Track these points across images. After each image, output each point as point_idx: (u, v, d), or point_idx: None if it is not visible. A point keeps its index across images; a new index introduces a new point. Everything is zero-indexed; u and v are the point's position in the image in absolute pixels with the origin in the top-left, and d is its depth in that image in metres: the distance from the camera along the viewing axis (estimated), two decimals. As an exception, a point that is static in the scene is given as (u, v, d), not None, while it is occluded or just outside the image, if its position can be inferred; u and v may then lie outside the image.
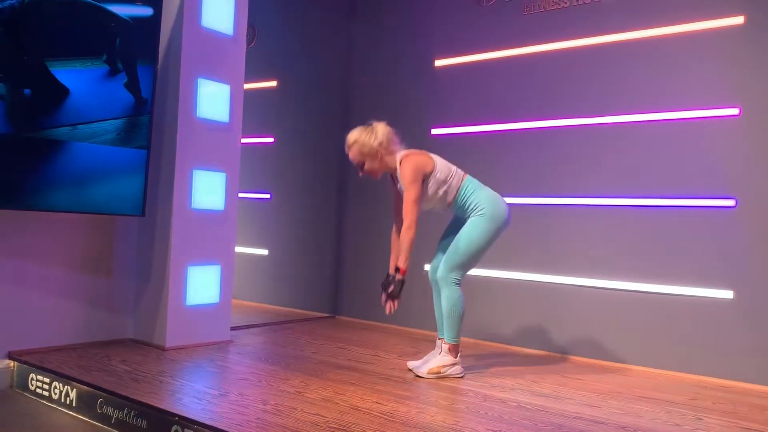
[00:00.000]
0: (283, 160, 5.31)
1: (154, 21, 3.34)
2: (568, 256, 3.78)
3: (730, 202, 3.28)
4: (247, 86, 3.85)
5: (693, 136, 3.41)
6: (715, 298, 3.30)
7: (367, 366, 3.17)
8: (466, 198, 3.00)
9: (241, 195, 3.83)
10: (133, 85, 3.26)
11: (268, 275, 5.32)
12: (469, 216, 2.99)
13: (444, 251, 3.05)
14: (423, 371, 2.99)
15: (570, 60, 3.83)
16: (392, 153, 3.00)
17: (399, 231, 3.10)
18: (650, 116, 3.53)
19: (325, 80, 5.10)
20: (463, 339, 3.25)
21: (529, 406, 2.57)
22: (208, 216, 3.56)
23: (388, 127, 3.01)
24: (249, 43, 3.94)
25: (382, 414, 2.35)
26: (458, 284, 2.96)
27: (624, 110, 3.61)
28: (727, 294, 3.27)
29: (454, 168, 3.04)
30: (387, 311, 2.89)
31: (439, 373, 2.98)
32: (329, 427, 2.18)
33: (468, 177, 3.06)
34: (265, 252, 5.35)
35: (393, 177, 3.11)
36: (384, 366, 3.16)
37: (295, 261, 5.17)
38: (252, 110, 4.68)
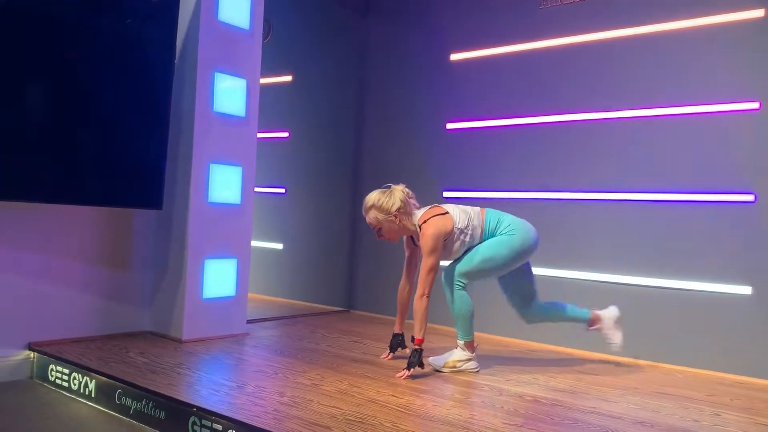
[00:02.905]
0: (297, 154, 5.33)
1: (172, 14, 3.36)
2: (584, 251, 3.76)
3: (750, 197, 3.25)
4: (262, 81, 3.86)
5: (712, 131, 3.37)
6: (733, 294, 3.27)
7: (381, 360, 3.18)
8: (493, 228, 2.99)
9: (256, 189, 3.85)
10: (151, 81, 3.28)
11: (283, 269, 5.34)
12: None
13: None
14: (439, 365, 2.99)
15: (587, 53, 3.80)
16: (410, 215, 2.99)
17: (408, 284, 3.16)
18: (669, 110, 3.50)
19: (339, 75, 5.11)
20: (479, 334, 3.25)
21: (545, 401, 2.56)
22: (224, 210, 3.58)
23: (406, 190, 3.01)
24: (264, 37, 3.94)
25: (398, 407, 2.36)
26: (463, 288, 2.95)
27: (642, 104, 3.59)
28: (746, 290, 3.24)
29: (470, 209, 3.03)
30: (399, 376, 2.82)
31: (455, 367, 2.98)
32: (346, 419, 2.19)
33: (487, 210, 3.06)
34: (280, 246, 5.38)
35: (411, 237, 3.11)
36: (399, 360, 3.16)
37: (310, 255, 5.18)
38: (267, 105, 4.70)
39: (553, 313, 3.16)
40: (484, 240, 2.99)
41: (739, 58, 3.31)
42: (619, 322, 3.20)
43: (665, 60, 3.53)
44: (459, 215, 2.97)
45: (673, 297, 3.44)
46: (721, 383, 3.08)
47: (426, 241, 2.88)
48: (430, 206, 3.03)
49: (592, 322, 3.19)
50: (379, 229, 3.00)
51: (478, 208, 3.06)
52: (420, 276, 2.90)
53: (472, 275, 2.95)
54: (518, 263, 3.01)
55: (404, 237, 3.16)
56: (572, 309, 3.18)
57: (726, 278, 3.30)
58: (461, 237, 2.96)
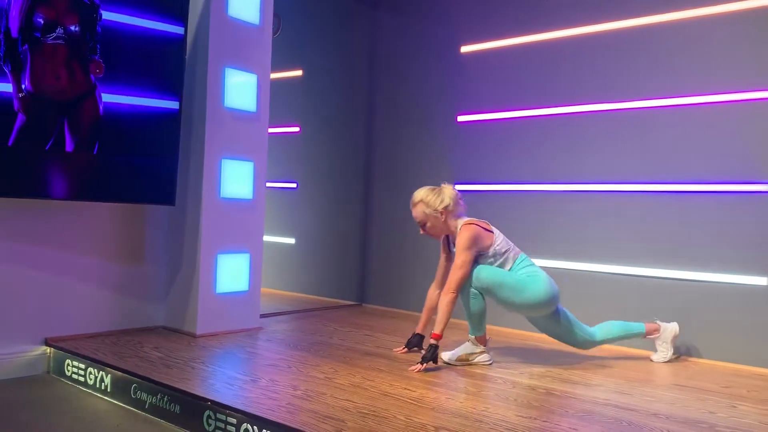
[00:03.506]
0: (308, 149, 5.33)
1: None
2: (599, 243, 3.74)
3: (767, 187, 3.21)
4: (272, 76, 3.86)
5: (731, 120, 3.33)
6: (749, 285, 3.24)
7: (395, 353, 3.18)
8: (521, 269, 2.98)
9: (267, 184, 3.86)
10: (162, 76, 3.29)
11: (295, 264, 5.36)
12: None
13: None
14: (451, 359, 2.99)
15: (600, 43, 3.77)
16: (456, 217, 3.01)
17: (438, 288, 3.14)
18: (684, 100, 3.45)
19: (350, 69, 5.10)
20: (491, 327, 3.24)
21: (558, 393, 2.55)
22: (236, 205, 3.59)
23: (456, 191, 3.03)
24: (274, 32, 3.94)
25: (411, 400, 2.36)
26: (476, 289, 2.95)
27: (657, 94, 3.55)
28: (762, 281, 3.21)
29: (512, 244, 3.04)
30: (412, 369, 2.83)
31: (468, 360, 2.98)
32: (359, 412, 2.19)
33: (524, 253, 3.06)
34: (292, 241, 5.39)
35: (450, 239, 3.12)
36: (412, 354, 3.16)
37: (322, 250, 5.19)
38: (277, 100, 4.70)
39: (606, 333, 3.15)
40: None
41: (758, 45, 3.26)
42: (675, 339, 3.24)
43: (682, 48, 3.49)
44: (502, 240, 2.99)
45: (688, 288, 3.41)
46: (737, 375, 3.06)
47: (463, 239, 2.90)
48: (482, 220, 3.04)
49: (649, 331, 3.22)
50: (425, 224, 3.03)
51: (518, 249, 3.06)
52: (451, 271, 2.92)
53: (486, 290, 2.92)
54: (530, 312, 3.02)
55: (441, 241, 3.18)
56: (624, 324, 3.19)
57: (742, 269, 3.26)
58: (492, 258, 2.96)
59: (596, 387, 2.68)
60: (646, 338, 3.24)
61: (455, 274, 2.89)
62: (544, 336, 3.80)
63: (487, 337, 3.04)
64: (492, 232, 3.00)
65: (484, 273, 2.92)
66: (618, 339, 3.20)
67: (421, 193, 3.03)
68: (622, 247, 3.65)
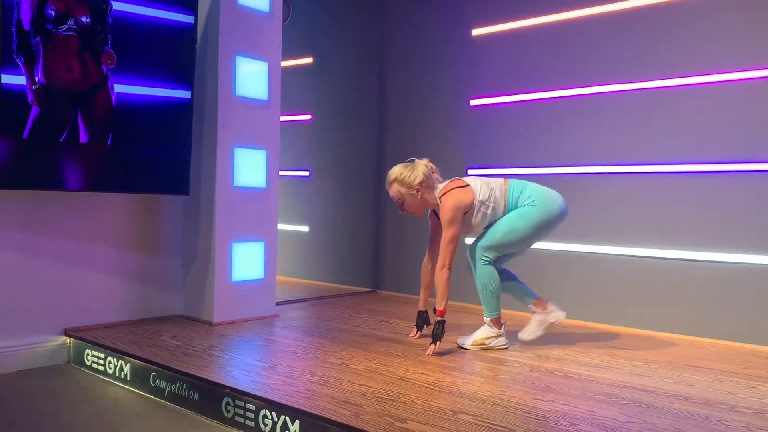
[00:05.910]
0: (320, 136, 5.32)
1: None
2: (615, 226, 3.71)
3: (784, 166, 3.17)
4: (283, 63, 3.85)
5: (747, 98, 3.27)
6: (765, 265, 3.20)
7: (410, 338, 3.19)
8: (516, 198, 2.94)
9: (280, 173, 3.86)
10: (174, 66, 3.29)
11: (309, 252, 5.37)
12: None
13: None
14: (467, 343, 2.99)
15: (612, 23, 3.71)
16: (432, 189, 2.97)
17: (432, 261, 3.11)
18: (702, 79, 3.39)
19: (360, 54, 5.07)
20: (507, 312, 3.23)
21: (576, 376, 2.54)
22: (250, 193, 3.60)
23: (430, 164, 2.99)
24: (284, 20, 3.92)
25: (428, 384, 2.37)
26: (488, 263, 2.93)
27: (672, 73, 3.49)
28: (781, 260, 3.17)
29: (492, 182, 2.99)
30: (428, 354, 2.83)
31: (483, 344, 2.97)
32: (377, 396, 2.20)
33: (510, 180, 3.01)
34: (306, 229, 5.40)
35: (434, 210, 3.10)
36: (427, 338, 3.16)
37: (336, 237, 5.20)
38: (289, 88, 4.69)
39: (502, 280, 3.02)
40: (509, 207, 2.95)
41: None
42: (549, 328, 3.07)
43: (698, 26, 3.43)
44: (480, 188, 2.94)
45: (706, 269, 3.38)
46: (756, 355, 3.03)
47: (445, 213, 2.87)
48: (451, 180, 3.01)
49: (536, 303, 3.08)
50: (402, 202, 2.99)
51: (501, 180, 3.02)
52: (440, 248, 2.89)
53: (494, 249, 2.92)
54: (543, 234, 2.97)
55: (428, 212, 3.14)
56: (524, 287, 3.11)
57: (758, 249, 3.22)
58: (482, 209, 2.92)
59: (614, 369, 2.67)
60: (528, 305, 3.09)
61: (447, 250, 2.85)
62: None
63: (503, 321, 3.03)
64: (468, 185, 2.94)
65: (489, 242, 2.91)
66: (509, 290, 3.07)
67: (395, 171, 2.97)
68: (636, 229, 3.61)
